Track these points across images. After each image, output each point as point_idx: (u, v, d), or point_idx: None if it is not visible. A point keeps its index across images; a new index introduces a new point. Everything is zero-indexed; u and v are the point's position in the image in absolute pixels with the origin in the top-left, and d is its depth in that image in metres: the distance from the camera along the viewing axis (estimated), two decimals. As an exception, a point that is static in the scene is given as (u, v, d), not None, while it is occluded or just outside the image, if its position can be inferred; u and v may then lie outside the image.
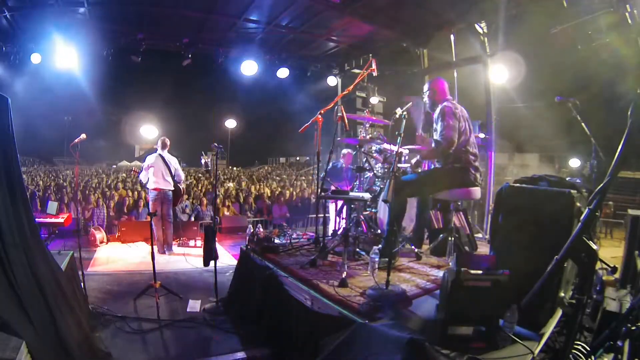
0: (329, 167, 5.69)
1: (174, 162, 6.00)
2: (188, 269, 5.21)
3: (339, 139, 4.61)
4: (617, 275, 2.85)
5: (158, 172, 5.77)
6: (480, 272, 1.90)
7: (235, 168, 29.30)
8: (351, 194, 3.75)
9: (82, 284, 3.58)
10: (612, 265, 2.80)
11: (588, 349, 2.03)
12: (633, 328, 1.69)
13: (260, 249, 3.65)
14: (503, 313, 1.99)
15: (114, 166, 29.34)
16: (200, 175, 16.12)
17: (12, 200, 2.02)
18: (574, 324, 1.89)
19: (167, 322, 3.34)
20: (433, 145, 3.25)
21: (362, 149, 4.06)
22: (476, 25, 6.03)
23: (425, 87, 3.48)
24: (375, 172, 4.11)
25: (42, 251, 2.31)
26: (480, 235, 4.92)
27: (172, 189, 5.90)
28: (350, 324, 2.21)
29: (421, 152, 3.49)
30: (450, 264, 2.13)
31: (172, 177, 5.88)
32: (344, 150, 6.26)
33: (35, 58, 6.94)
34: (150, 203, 5.87)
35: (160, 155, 5.85)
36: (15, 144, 2.21)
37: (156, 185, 5.75)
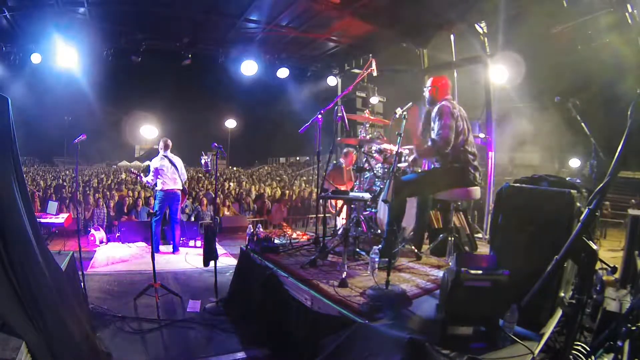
0: (330, 168, 5.68)
1: (179, 162, 6.00)
2: (188, 269, 5.20)
3: (339, 139, 4.61)
4: (617, 275, 2.85)
5: (167, 173, 5.77)
6: (480, 272, 1.90)
7: (235, 168, 29.32)
8: (351, 194, 3.75)
9: (82, 284, 3.58)
10: (612, 265, 2.80)
11: (588, 349, 2.04)
12: (633, 328, 1.69)
13: (260, 249, 3.65)
14: (503, 313, 1.99)
15: (114, 166, 29.36)
16: (200, 175, 16.13)
17: (13, 200, 2.02)
18: (574, 324, 1.90)
19: (167, 322, 3.34)
20: (430, 143, 3.25)
21: (362, 149, 4.06)
22: (476, 25, 6.03)
23: (428, 82, 3.48)
24: (375, 172, 4.12)
25: (43, 251, 2.30)
26: (480, 235, 4.91)
27: (180, 188, 5.93)
28: (350, 324, 2.21)
29: (418, 150, 3.47)
30: (450, 264, 2.13)
31: (180, 176, 5.90)
32: (345, 150, 6.22)
33: (35, 58, 6.95)
34: (157, 204, 5.87)
35: (165, 156, 5.86)
36: (17, 144, 2.21)
37: (163, 186, 5.75)
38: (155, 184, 5.82)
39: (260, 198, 10.08)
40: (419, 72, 7.53)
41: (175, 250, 6.02)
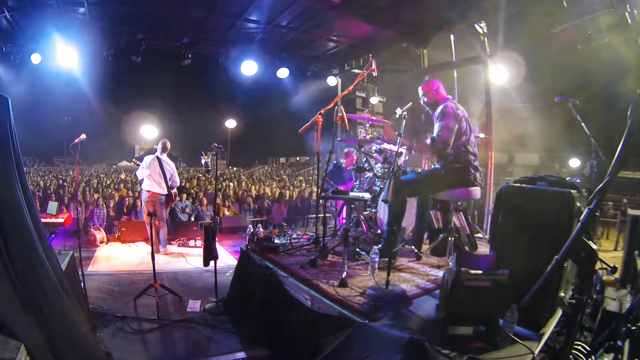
0: (330, 168, 5.68)
1: (171, 167, 5.92)
2: (188, 269, 5.20)
3: (339, 139, 4.61)
4: (617, 275, 2.85)
5: (153, 176, 5.71)
6: (480, 272, 1.91)
7: (235, 168, 29.30)
8: (351, 194, 3.75)
9: (82, 284, 3.58)
10: (612, 265, 2.80)
11: (588, 349, 2.04)
12: (633, 328, 1.69)
13: (260, 249, 3.65)
14: (503, 313, 1.99)
15: (114, 166, 29.35)
16: (200, 175, 16.13)
17: (15, 198, 2.02)
18: (574, 324, 1.90)
19: (167, 322, 3.34)
20: (429, 141, 3.25)
21: (362, 149, 4.06)
22: (476, 25, 6.03)
23: (420, 92, 3.45)
24: (375, 172, 4.11)
25: (46, 248, 2.30)
26: (480, 235, 4.91)
27: (165, 193, 5.82)
28: (350, 324, 2.21)
29: (413, 146, 3.46)
30: (450, 264, 2.14)
31: (167, 182, 5.79)
32: (346, 150, 6.21)
33: (35, 58, 6.95)
34: (144, 203, 5.85)
35: (158, 157, 5.77)
36: (18, 144, 2.21)
37: (150, 188, 5.71)
38: (142, 180, 5.80)
39: (260, 198, 10.08)
40: (419, 72, 7.54)
41: (161, 246, 5.93)
